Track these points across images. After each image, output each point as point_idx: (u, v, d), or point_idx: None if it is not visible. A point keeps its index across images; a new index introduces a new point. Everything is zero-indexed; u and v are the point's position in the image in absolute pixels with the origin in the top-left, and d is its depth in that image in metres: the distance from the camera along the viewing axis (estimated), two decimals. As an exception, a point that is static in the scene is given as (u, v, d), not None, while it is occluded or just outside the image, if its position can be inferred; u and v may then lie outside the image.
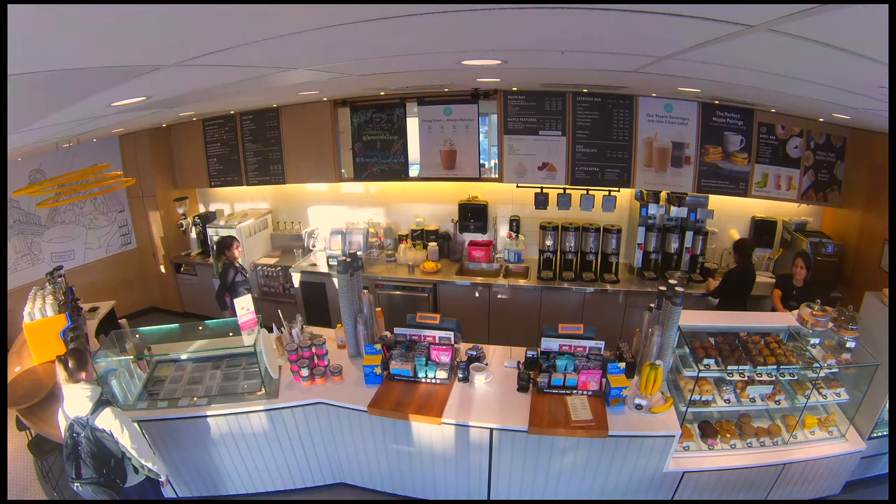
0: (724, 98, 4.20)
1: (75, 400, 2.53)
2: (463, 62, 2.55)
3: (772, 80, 2.38)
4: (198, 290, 6.22)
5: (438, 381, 3.32)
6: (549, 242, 5.08)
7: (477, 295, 5.12)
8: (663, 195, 5.00)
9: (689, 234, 4.85)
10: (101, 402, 2.56)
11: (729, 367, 3.09)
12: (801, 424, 3.27)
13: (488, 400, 3.20)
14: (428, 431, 3.18)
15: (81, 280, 5.17)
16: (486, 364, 3.46)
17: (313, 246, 5.95)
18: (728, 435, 3.21)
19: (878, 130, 4.02)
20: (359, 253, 5.24)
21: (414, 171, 5.49)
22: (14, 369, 3.72)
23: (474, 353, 3.51)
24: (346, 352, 3.72)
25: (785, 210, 4.95)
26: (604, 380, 3.14)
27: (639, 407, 3.04)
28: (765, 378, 3.13)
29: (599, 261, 5.07)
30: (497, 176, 5.27)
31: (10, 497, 3.51)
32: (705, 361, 3.10)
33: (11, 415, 3.58)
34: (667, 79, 3.01)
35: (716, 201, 4.89)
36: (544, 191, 5.14)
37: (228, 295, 4.43)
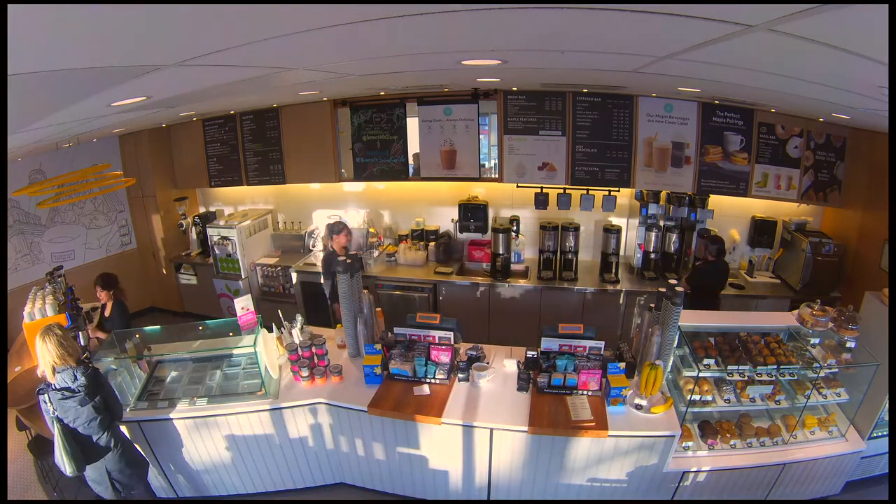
0: (724, 98, 4.20)
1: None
2: (463, 62, 2.55)
3: (772, 79, 2.38)
4: (198, 290, 6.21)
5: (438, 381, 3.32)
6: (549, 242, 5.08)
7: (477, 295, 5.12)
8: (663, 195, 5.00)
9: (689, 234, 4.85)
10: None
11: (729, 367, 3.08)
12: (801, 424, 3.27)
13: (488, 400, 3.20)
14: (428, 431, 3.18)
15: (81, 280, 5.15)
16: (489, 363, 3.46)
17: (313, 246, 5.95)
18: (728, 435, 3.21)
19: (878, 130, 4.01)
20: (359, 253, 5.26)
21: (414, 171, 5.48)
22: (14, 369, 3.73)
23: (474, 353, 3.51)
24: (346, 352, 3.72)
25: (785, 210, 4.94)
26: (604, 380, 3.14)
27: (639, 407, 3.04)
28: (765, 378, 3.12)
29: (599, 261, 5.07)
30: (497, 176, 5.28)
31: (10, 497, 3.51)
32: (705, 361, 3.10)
33: (11, 415, 3.59)
34: (667, 79, 3.01)
35: (716, 201, 4.89)
36: (544, 191, 5.14)
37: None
